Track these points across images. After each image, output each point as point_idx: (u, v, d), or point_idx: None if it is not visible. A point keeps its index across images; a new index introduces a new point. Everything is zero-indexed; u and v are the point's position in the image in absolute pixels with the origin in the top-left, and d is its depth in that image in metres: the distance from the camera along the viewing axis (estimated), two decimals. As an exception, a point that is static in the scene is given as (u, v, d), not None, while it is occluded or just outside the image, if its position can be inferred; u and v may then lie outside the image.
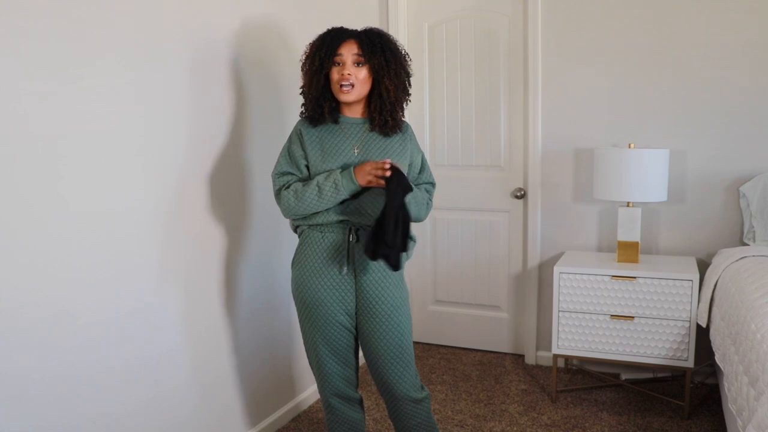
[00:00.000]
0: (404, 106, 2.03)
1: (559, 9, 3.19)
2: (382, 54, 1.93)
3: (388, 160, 1.88)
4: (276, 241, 2.70)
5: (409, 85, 2.02)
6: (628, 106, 3.13)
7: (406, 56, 2.01)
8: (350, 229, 1.96)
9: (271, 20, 2.60)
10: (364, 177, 1.88)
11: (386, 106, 1.95)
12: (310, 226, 2.00)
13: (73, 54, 1.74)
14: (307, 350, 2.09)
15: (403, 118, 2.04)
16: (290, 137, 2.02)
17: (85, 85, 1.78)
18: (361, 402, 2.17)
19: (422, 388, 2.09)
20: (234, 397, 2.47)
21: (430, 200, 2.14)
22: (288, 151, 2.01)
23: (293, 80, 2.70)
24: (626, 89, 3.12)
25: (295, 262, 2.05)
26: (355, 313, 2.03)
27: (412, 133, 2.10)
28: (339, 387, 2.09)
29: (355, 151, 1.97)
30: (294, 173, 1.99)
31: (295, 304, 2.07)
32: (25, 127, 1.62)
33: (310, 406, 2.95)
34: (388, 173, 1.86)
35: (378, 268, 1.99)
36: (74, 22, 1.74)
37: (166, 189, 2.09)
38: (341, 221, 1.96)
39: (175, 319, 2.16)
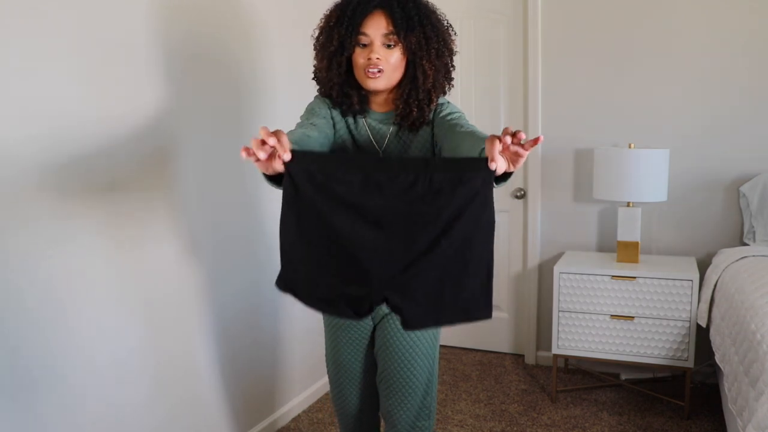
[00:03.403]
0: (446, 91, 1.62)
1: (559, 9, 3.19)
2: (421, 30, 1.51)
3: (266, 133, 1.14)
4: (256, 248, 2.69)
5: (453, 66, 1.61)
6: (628, 106, 3.13)
7: (449, 29, 1.59)
8: None
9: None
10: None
11: (417, 94, 1.56)
12: None
13: None
14: (327, 368, 1.88)
15: (433, 105, 1.59)
16: (312, 103, 1.63)
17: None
18: (378, 426, 1.95)
19: (428, 416, 1.77)
20: (222, 403, 2.46)
21: None
22: (307, 111, 1.60)
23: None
24: (626, 89, 3.12)
25: None
26: (372, 334, 1.78)
27: (445, 105, 1.62)
28: (357, 410, 1.86)
29: (380, 155, 1.62)
30: (309, 124, 1.50)
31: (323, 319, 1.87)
32: None
33: (298, 415, 2.95)
34: (266, 149, 1.13)
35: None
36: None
37: (150, 193, 2.08)
38: None
39: (155, 326, 2.13)
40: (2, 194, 1.58)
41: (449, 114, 1.58)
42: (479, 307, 1.20)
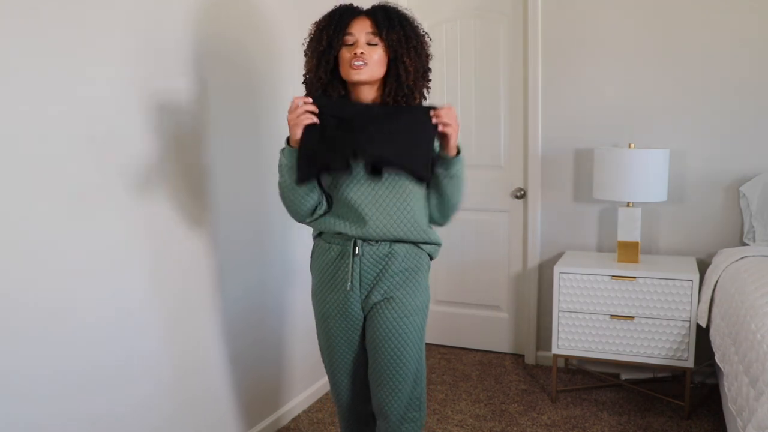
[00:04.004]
0: (424, 93, 1.77)
1: (559, 9, 3.19)
2: (401, 28, 1.69)
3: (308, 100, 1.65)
4: (262, 245, 2.69)
5: (430, 70, 1.76)
6: (628, 106, 3.13)
7: (426, 35, 1.76)
8: (353, 242, 1.76)
9: (252, 13, 2.51)
10: (290, 128, 1.66)
11: (403, 90, 1.70)
12: (318, 234, 1.86)
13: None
14: (322, 359, 1.95)
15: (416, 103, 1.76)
16: None
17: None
18: (374, 416, 1.98)
19: (419, 407, 1.85)
20: (224, 403, 2.46)
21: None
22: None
23: (270, 77, 2.61)
24: (626, 89, 3.12)
25: (311, 269, 1.90)
26: (363, 325, 1.84)
27: None
28: (349, 400, 1.94)
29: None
30: None
31: (313, 311, 1.93)
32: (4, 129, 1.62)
33: (298, 415, 2.96)
34: (306, 107, 1.63)
35: (386, 274, 1.77)
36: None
37: (154, 192, 2.08)
38: (340, 233, 1.77)
39: (161, 324, 2.13)
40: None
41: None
42: (421, 169, 1.66)
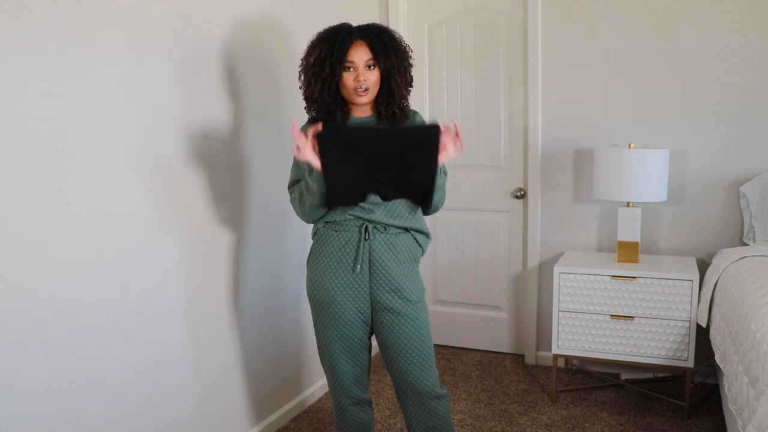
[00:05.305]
0: (407, 96, 2.04)
1: (559, 9, 3.19)
2: (394, 54, 1.93)
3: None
4: (280, 240, 2.70)
5: (412, 76, 2.03)
6: (628, 106, 3.13)
7: (408, 48, 2.01)
8: (365, 228, 1.94)
9: (267, 16, 2.60)
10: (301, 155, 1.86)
11: (395, 100, 1.97)
12: (326, 223, 1.99)
13: (72, 54, 1.75)
14: (319, 350, 2.07)
15: (409, 107, 2.04)
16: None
17: (84, 85, 1.79)
18: (370, 403, 2.15)
19: (441, 386, 2.05)
20: (236, 396, 2.48)
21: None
22: (296, 160, 2.00)
23: (291, 76, 2.71)
24: (626, 89, 3.12)
25: (310, 261, 2.04)
26: (371, 311, 1.99)
27: (421, 119, 2.07)
28: (350, 388, 2.07)
29: None
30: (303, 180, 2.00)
31: (309, 303, 2.05)
32: (26, 127, 1.63)
33: (310, 406, 2.96)
34: (306, 148, 1.82)
35: (393, 264, 1.96)
36: (73, 21, 1.74)
37: (167, 188, 2.10)
38: (357, 217, 1.94)
39: (178, 318, 2.17)
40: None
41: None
42: (427, 197, 1.91)
